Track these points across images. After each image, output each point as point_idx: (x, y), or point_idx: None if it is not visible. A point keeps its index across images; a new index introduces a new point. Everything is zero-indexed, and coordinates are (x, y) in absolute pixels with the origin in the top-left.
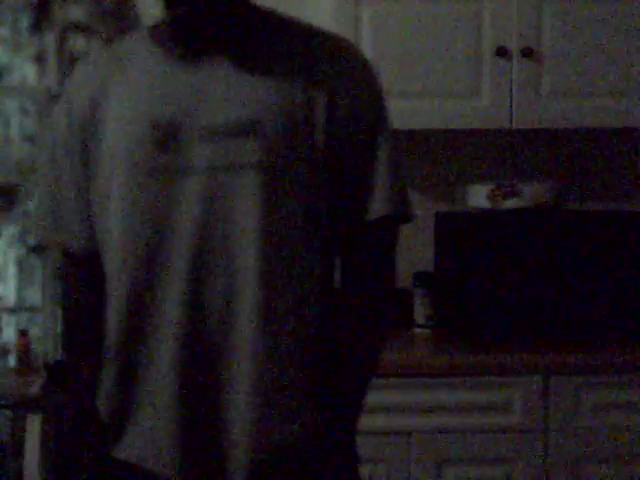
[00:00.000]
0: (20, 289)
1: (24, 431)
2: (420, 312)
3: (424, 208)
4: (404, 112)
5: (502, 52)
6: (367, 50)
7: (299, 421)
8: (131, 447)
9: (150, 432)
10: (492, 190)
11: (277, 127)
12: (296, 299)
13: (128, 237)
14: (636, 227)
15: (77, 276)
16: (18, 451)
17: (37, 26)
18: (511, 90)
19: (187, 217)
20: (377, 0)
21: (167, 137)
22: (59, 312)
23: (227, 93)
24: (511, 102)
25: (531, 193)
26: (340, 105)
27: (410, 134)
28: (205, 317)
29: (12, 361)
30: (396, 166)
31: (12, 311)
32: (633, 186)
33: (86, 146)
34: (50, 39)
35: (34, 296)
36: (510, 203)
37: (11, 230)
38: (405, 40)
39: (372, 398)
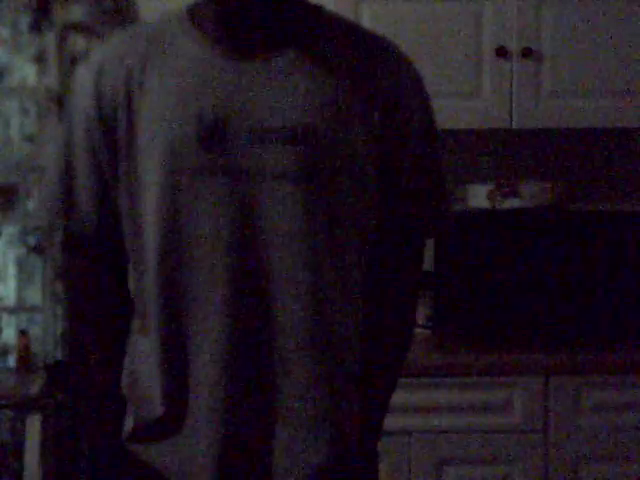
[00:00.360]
0: (20, 289)
1: (24, 431)
2: (420, 312)
3: None
4: None
5: (502, 52)
6: None
7: (346, 443)
8: (159, 454)
9: (185, 446)
10: (492, 190)
11: (332, 136)
12: (339, 309)
13: (165, 235)
14: (636, 227)
15: (85, 264)
16: (18, 451)
17: (37, 26)
18: (511, 90)
19: (228, 221)
20: (377, 0)
21: (213, 135)
22: (59, 312)
23: (282, 95)
24: (511, 102)
25: (531, 193)
26: (395, 117)
27: None
28: (247, 324)
29: (12, 361)
30: (445, 177)
31: (12, 311)
32: (633, 186)
33: (114, 132)
34: (50, 39)
35: (34, 296)
36: (510, 203)
37: (11, 230)
38: (405, 40)
39: None
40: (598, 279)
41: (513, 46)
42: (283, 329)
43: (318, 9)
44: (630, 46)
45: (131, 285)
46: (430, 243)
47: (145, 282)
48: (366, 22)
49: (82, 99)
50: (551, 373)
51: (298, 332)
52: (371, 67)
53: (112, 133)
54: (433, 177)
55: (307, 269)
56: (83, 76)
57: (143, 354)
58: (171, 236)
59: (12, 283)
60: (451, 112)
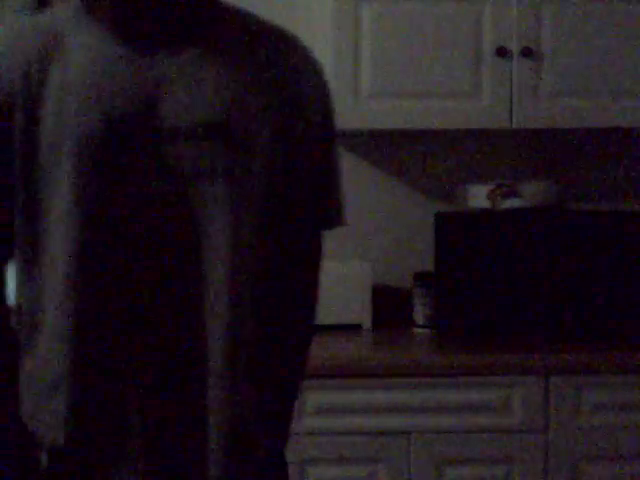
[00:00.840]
0: None
1: None
2: (420, 312)
3: (424, 208)
4: (404, 112)
5: (502, 52)
6: (367, 50)
7: (257, 452)
8: None
9: None
10: (492, 190)
11: (243, 131)
12: (258, 313)
13: (76, 244)
14: (636, 227)
15: None
16: None
17: None
18: (511, 90)
19: (145, 226)
20: (377, 0)
21: (123, 136)
22: None
23: (191, 91)
24: (511, 102)
25: (531, 193)
26: (295, 111)
27: (410, 134)
28: (174, 331)
29: None
30: (340, 170)
31: (12, 311)
32: (633, 186)
33: (9, 132)
34: None
35: None
36: (510, 203)
37: None
38: (405, 40)
39: (372, 398)
40: (598, 279)
41: (513, 46)
42: (211, 333)
43: (215, 3)
44: (630, 46)
45: (20, 291)
46: (430, 243)
47: (46, 286)
48: (366, 22)
49: None
50: (551, 373)
51: (222, 337)
52: (273, 61)
53: (7, 135)
54: (329, 172)
55: (233, 269)
56: None
57: (36, 372)
58: (82, 244)
59: (12, 283)
60: (451, 112)
